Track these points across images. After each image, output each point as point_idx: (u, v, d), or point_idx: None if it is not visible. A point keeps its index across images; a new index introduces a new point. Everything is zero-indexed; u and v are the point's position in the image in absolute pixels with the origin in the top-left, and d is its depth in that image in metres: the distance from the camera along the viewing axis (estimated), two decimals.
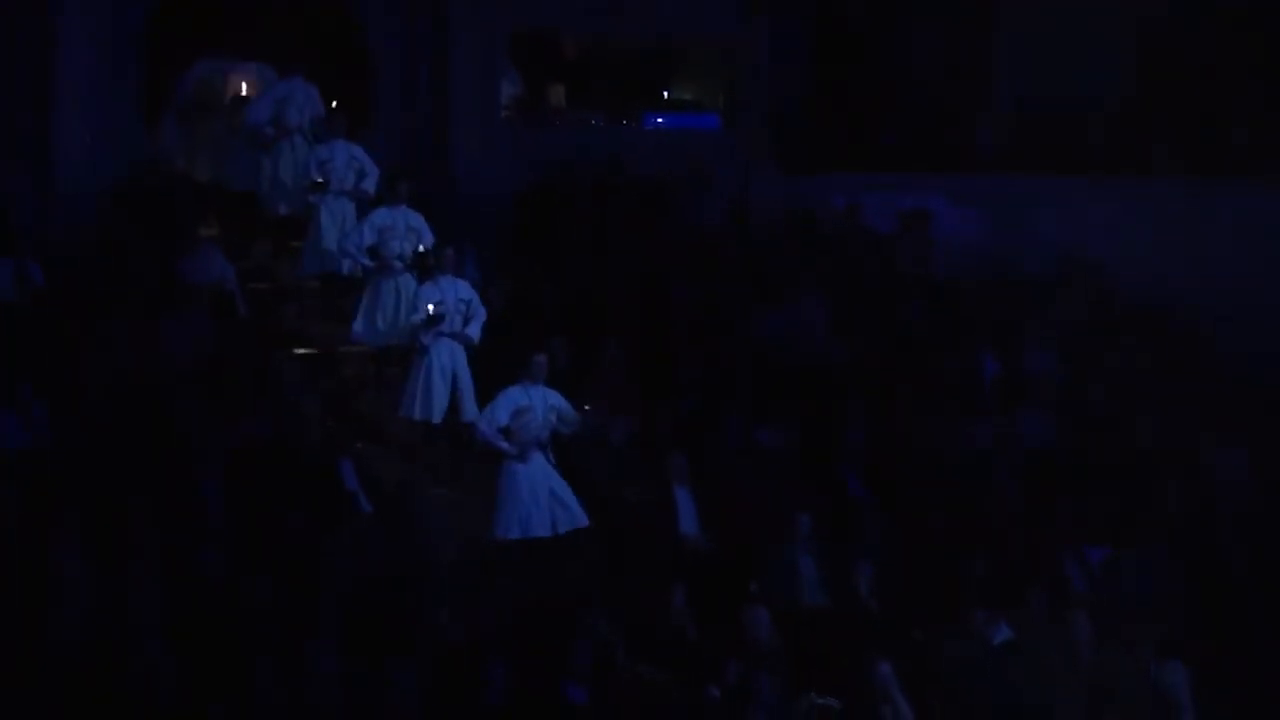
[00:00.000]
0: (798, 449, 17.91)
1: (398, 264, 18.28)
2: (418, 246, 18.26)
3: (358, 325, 18.29)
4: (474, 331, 17.89)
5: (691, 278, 20.16)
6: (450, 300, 17.79)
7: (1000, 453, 18.34)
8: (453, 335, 17.76)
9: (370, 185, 19.10)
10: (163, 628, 13.33)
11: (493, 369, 18.02)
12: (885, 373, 19.27)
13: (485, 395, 17.19)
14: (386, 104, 21.51)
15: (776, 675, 14.33)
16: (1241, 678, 15.47)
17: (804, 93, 22.93)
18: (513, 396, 16.80)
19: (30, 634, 13.51)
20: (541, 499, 16.51)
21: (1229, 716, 14.75)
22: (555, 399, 16.91)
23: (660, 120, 22.91)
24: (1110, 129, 22.81)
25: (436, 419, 17.59)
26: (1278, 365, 20.13)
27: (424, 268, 18.18)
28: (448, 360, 17.71)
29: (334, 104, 19.73)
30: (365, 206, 19.00)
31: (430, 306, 17.59)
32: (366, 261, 18.29)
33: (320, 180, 18.87)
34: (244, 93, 20.98)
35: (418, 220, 18.45)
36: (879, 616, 15.98)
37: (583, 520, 16.53)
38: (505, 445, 16.65)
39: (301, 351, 18.87)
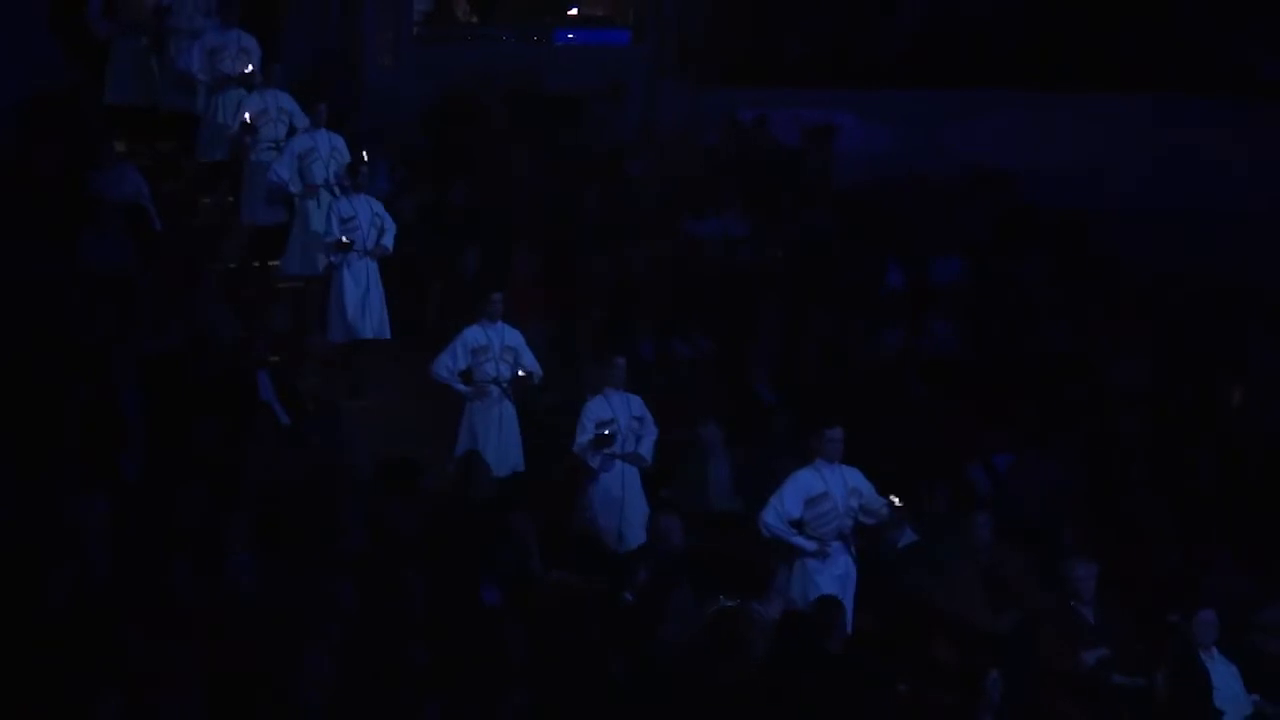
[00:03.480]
0: (711, 357, 18.11)
1: (494, 390, 16.43)
2: (517, 370, 16.45)
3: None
4: (646, 451, 15.79)
5: (602, 189, 20.26)
6: (623, 419, 15.77)
7: (906, 359, 18.63)
8: (624, 458, 15.76)
9: (389, 241, 17.64)
10: (93, 529, 13.29)
11: (406, 281, 18.11)
12: (795, 282, 19.45)
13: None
14: (298, 20, 21.38)
15: (687, 579, 14.29)
16: (1137, 575, 15.82)
17: (712, 7, 23.04)
18: (804, 482, 14.36)
19: None
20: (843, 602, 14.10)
21: (1124, 611, 14.94)
22: (855, 479, 14.46)
23: (570, 36, 22.92)
24: (1015, 43, 23.05)
25: (614, 547, 15.59)
26: (1175, 274, 20.52)
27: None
28: (618, 489, 15.71)
29: (364, 154, 18.29)
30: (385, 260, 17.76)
31: (598, 428, 15.66)
32: (461, 386, 16.40)
33: (346, 241, 17.43)
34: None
35: (515, 338, 16.54)
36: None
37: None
38: (801, 541, 14.20)
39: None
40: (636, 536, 15.45)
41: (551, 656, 12.86)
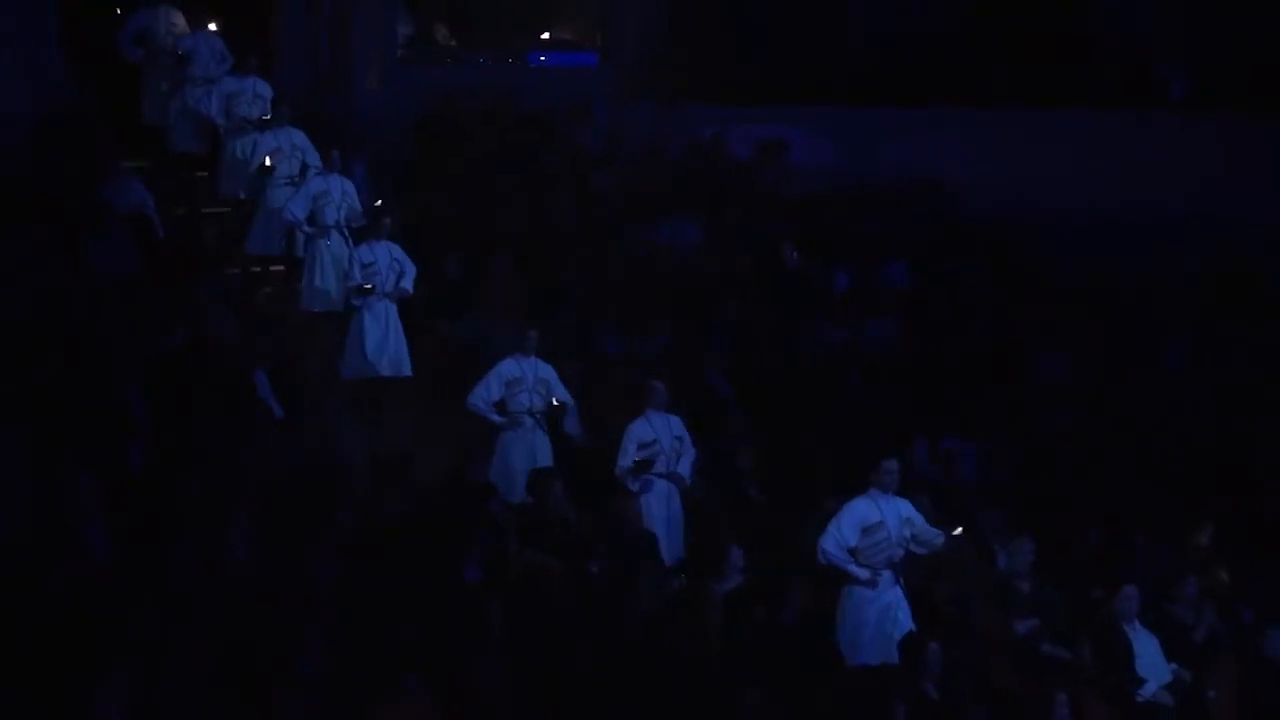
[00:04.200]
0: (670, 355, 18.65)
1: (528, 420, 16.53)
2: (550, 400, 16.49)
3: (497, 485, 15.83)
4: (685, 470, 15.79)
5: (573, 199, 20.83)
6: (665, 440, 15.84)
7: (851, 356, 19.27)
8: (667, 477, 15.84)
9: (409, 284, 17.73)
10: (101, 516, 13.65)
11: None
12: (749, 285, 20.04)
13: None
14: (291, 45, 22.02)
15: (649, 560, 14.90)
16: (1065, 553, 16.53)
17: (674, 32, 23.54)
18: (860, 510, 14.30)
19: None
20: (886, 630, 14.13)
21: (1053, 587, 15.65)
22: (907, 509, 14.41)
23: (543, 58, 23.51)
24: (951, 66, 23.61)
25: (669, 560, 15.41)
26: (1096, 275, 21.17)
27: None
28: (661, 508, 15.76)
29: (378, 201, 18.62)
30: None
31: (637, 451, 15.69)
32: (496, 417, 16.44)
33: (367, 286, 17.54)
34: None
35: (548, 371, 16.55)
36: (755, 499, 16.60)
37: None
38: (856, 570, 14.12)
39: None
40: (675, 551, 15.84)
41: (526, 628, 13.36)
